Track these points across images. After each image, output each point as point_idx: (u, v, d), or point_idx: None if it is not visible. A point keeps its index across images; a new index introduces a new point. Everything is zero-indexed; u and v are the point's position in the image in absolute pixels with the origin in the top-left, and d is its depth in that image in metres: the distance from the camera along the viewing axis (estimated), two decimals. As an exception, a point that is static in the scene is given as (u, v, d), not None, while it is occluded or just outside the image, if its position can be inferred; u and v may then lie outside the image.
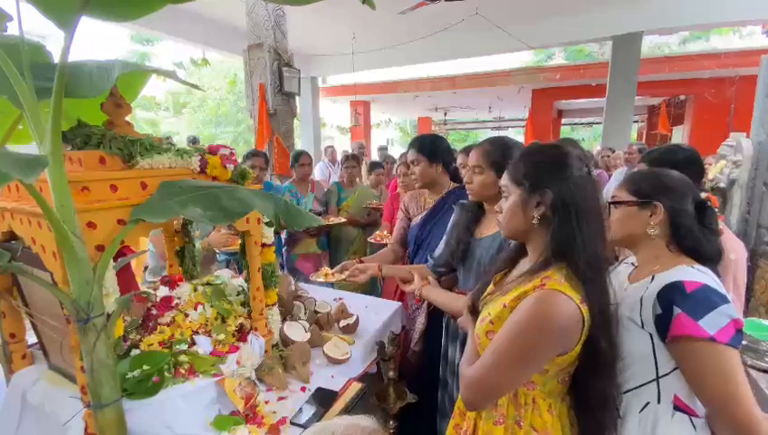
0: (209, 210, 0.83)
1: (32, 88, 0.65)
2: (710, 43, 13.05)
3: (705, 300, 0.80)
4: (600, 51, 12.64)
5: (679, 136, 9.70)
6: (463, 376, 0.88)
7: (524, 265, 0.93)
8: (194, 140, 6.28)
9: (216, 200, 0.85)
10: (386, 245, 2.62)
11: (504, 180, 0.92)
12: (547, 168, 0.86)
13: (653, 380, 0.88)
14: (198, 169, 1.05)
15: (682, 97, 9.51)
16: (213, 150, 1.12)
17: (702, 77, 8.35)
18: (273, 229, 1.25)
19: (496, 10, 5.59)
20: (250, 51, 4.39)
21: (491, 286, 0.99)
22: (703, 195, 0.97)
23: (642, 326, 0.87)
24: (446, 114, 14.57)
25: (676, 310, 0.80)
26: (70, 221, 0.73)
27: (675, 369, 0.85)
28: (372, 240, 2.74)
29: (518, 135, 16.04)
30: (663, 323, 0.82)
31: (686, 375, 0.83)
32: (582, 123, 15.57)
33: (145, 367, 0.98)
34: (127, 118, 1.06)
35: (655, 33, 6.75)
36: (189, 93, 14.66)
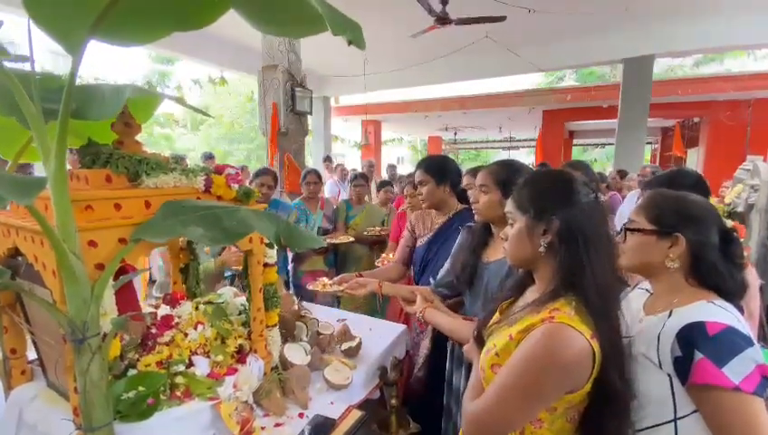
0: (210, 231, 0.82)
1: (39, 110, 0.66)
2: (724, 65, 13.00)
3: (730, 344, 0.74)
4: (611, 72, 12.69)
5: (694, 158, 9.57)
6: (465, 411, 0.84)
7: (531, 294, 0.90)
8: (209, 156, 6.41)
9: (218, 221, 0.84)
10: None
11: (509, 207, 0.90)
12: (553, 194, 0.84)
13: (671, 421, 0.82)
14: (203, 189, 1.05)
15: (696, 119, 9.43)
16: (219, 170, 1.13)
17: (717, 99, 8.29)
18: (275, 249, 1.24)
19: (507, 33, 5.68)
20: (264, 71, 4.51)
21: (497, 315, 0.96)
22: (729, 223, 0.92)
23: (660, 366, 0.82)
24: (456, 134, 14.68)
25: (698, 354, 0.74)
26: (70, 240, 0.73)
27: (694, 411, 0.79)
28: (380, 264, 2.72)
29: (529, 155, 16.03)
30: (683, 367, 0.76)
31: (708, 423, 0.77)
32: (594, 144, 15.50)
33: (140, 388, 0.96)
34: (137, 137, 1.08)
35: (666, 56, 6.76)
36: (206, 111, 15.10)
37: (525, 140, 15.24)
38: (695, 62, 13.81)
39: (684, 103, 8.68)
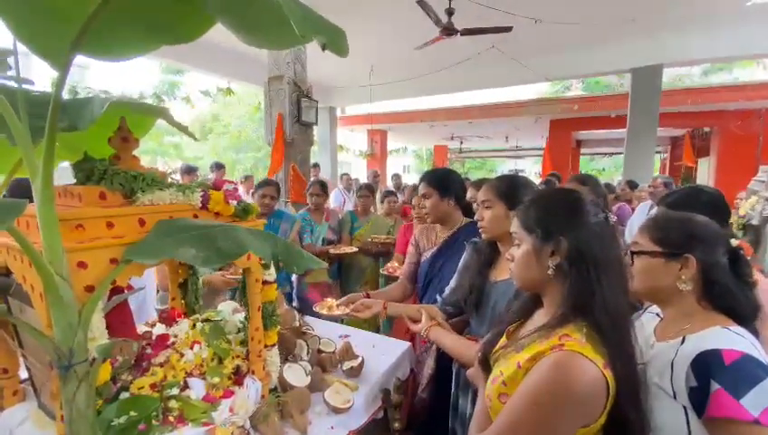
0: (203, 251, 0.78)
1: (26, 127, 0.64)
2: (733, 75, 12.88)
3: (747, 374, 0.70)
4: (618, 82, 12.63)
5: (705, 168, 9.43)
6: None
7: (540, 317, 0.85)
8: (218, 166, 6.40)
9: (212, 241, 0.81)
10: (398, 277, 2.56)
11: (515, 227, 0.86)
12: (561, 214, 0.80)
13: None
14: (200, 205, 1.02)
15: (707, 129, 9.31)
16: (217, 186, 1.10)
17: (727, 109, 8.18)
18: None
19: (514, 43, 5.66)
20: (270, 82, 4.54)
21: (503, 339, 0.91)
22: (734, 242, 0.88)
23: (674, 397, 0.77)
24: (462, 143, 14.66)
25: (714, 385, 0.70)
26: (57, 261, 0.70)
27: None
28: (385, 272, 2.69)
29: (536, 164, 15.95)
30: (699, 399, 0.72)
31: None
32: (602, 153, 15.38)
33: (132, 413, 0.92)
34: (135, 151, 1.05)
35: (674, 65, 6.70)
36: (215, 120, 15.32)
37: (532, 150, 15.16)
38: (703, 72, 13.70)
39: (694, 113, 8.58)
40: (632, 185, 5.20)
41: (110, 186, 0.90)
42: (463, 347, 1.21)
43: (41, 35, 0.55)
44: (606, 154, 15.40)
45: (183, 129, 0.76)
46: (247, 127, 14.70)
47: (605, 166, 18.15)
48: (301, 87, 4.54)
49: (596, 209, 0.79)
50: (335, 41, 0.54)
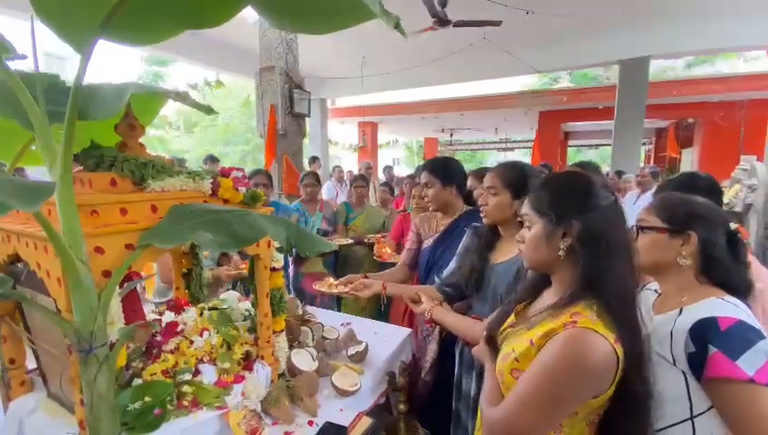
0: (220, 236, 0.80)
1: (44, 112, 0.64)
2: (716, 67, 13.14)
3: (742, 338, 0.76)
4: (605, 74, 12.78)
5: (689, 158, 9.65)
6: (486, 419, 0.82)
7: (548, 296, 0.89)
8: (212, 159, 6.24)
9: (227, 225, 0.82)
10: (393, 263, 2.58)
11: (526, 209, 0.88)
12: (573, 198, 0.83)
13: (687, 419, 0.83)
14: (210, 192, 1.03)
15: (690, 120, 9.51)
16: (225, 173, 1.11)
17: (711, 100, 8.37)
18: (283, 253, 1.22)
19: (504, 35, 5.68)
20: (262, 73, 4.48)
21: (512, 318, 0.94)
22: (732, 226, 0.94)
23: (674, 363, 0.82)
24: (452, 135, 14.71)
25: (712, 349, 0.76)
26: (76, 246, 0.70)
27: (710, 408, 0.80)
28: (378, 258, 2.71)
29: (525, 156, 16.11)
30: (697, 363, 0.78)
31: (723, 417, 0.78)
32: (589, 145, 15.59)
33: (147, 399, 0.93)
34: (140, 139, 1.05)
35: (661, 57, 6.82)
36: (200, 113, 15.00)
37: (521, 142, 15.30)
38: (687, 64, 13.95)
39: (678, 105, 8.75)
40: (620, 174, 5.31)
41: (121, 173, 0.90)
42: (469, 325, 1.24)
43: (66, 17, 0.55)
44: (593, 146, 15.63)
45: (202, 107, 0.76)
46: (235, 119, 14.48)
47: (592, 158, 18.42)
48: (293, 78, 4.49)
49: (606, 192, 0.82)
50: (398, 22, 0.56)
